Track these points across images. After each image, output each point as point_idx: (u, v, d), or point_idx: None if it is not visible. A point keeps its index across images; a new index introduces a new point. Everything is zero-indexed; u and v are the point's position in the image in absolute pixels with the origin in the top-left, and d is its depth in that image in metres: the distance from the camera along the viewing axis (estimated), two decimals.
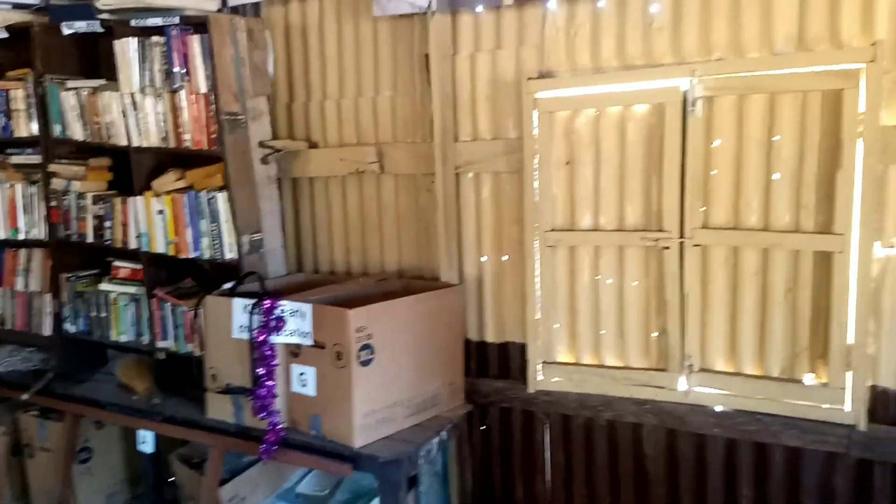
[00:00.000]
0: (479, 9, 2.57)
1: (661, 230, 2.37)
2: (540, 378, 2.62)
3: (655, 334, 2.47)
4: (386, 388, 2.37)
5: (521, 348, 2.66)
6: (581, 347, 2.59)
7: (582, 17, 2.42)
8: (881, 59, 1.99)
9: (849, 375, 2.16)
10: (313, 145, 2.99)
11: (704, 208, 2.31)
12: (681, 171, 2.30)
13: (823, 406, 2.21)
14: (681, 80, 2.26)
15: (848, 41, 2.06)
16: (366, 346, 2.29)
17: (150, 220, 2.88)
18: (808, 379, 2.25)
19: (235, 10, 2.97)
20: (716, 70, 2.20)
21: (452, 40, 2.63)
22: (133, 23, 2.78)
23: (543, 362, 2.61)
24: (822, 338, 2.21)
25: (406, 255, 2.88)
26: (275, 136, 2.99)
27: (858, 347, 2.13)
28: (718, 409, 2.37)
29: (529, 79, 2.49)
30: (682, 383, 2.42)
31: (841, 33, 2.07)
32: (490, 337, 2.75)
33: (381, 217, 2.92)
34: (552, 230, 2.54)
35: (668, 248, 2.36)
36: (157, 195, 2.87)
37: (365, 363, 2.29)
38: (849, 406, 2.17)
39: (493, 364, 2.76)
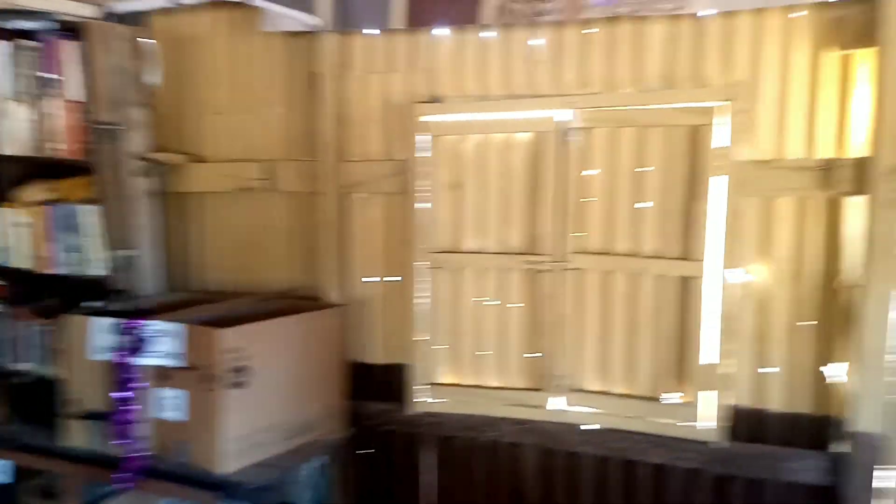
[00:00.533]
0: (371, 31, 2.54)
1: (540, 254, 2.40)
2: (423, 400, 2.57)
3: (533, 355, 2.48)
4: (260, 412, 2.24)
5: (407, 370, 2.60)
6: (464, 368, 2.57)
7: (470, 45, 2.44)
8: (738, 98, 2.11)
9: (709, 394, 2.25)
10: (201, 160, 2.84)
11: (580, 234, 2.36)
12: (558, 198, 2.34)
13: (686, 424, 2.28)
14: (559, 112, 2.31)
15: (710, 81, 2.17)
16: (239, 368, 2.16)
17: (9, 233, 2.63)
18: (673, 398, 2.32)
19: (122, 18, 2.80)
20: (591, 103, 2.27)
21: (343, 60, 2.58)
22: (7, 26, 2.55)
23: (427, 383, 2.57)
24: (684, 359, 2.29)
25: (293, 275, 2.77)
26: (160, 150, 2.82)
27: (718, 367, 2.22)
28: (590, 427, 2.40)
29: (417, 102, 2.47)
30: (556, 402, 2.43)
31: (704, 73, 2.18)
32: (376, 358, 2.68)
33: (268, 235, 2.80)
34: (438, 252, 2.52)
35: (546, 271, 2.39)
36: (21, 206, 2.62)
37: (237, 385, 2.16)
38: (709, 424, 2.25)
39: (378, 386, 2.68)
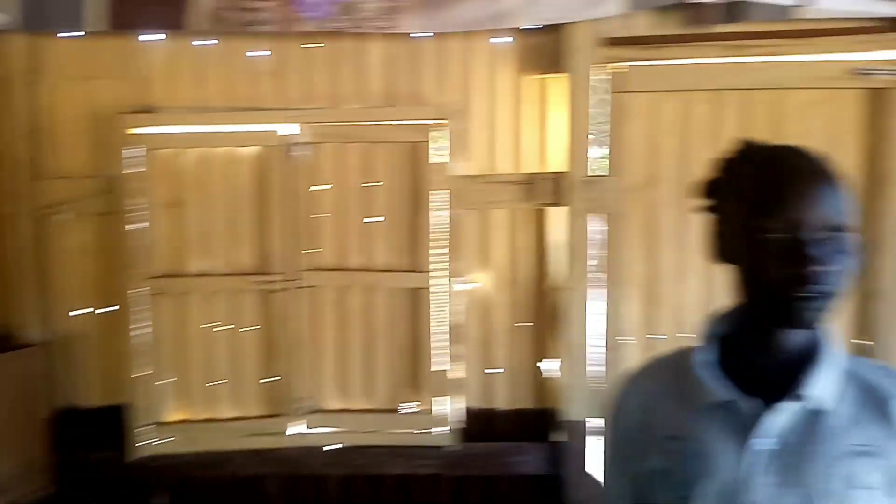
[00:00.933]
0: (68, 33, 2.21)
1: (272, 273, 2.27)
2: (148, 442, 2.28)
3: (270, 379, 2.33)
4: None
5: (127, 410, 2.29)
6: (195, 402, 2.34)
7: (186, 53, 2.24)
8: (453, 117, 2.19)
9: (442, 400, 2.29)
10: None
11: (312, 250, 2.28)
12: (287, 215, 2.24)
13: (423, 431, 2.30)
14: (285, 126, 2.21)
15: (428, 99, 2.23)
16: None
17: None
18: (409, 407, 2.33)
19: None
20: (317, 118, 2.22)
21: (36, 65, 2.22)
22: None
23: (152, 423, 2.29)
24: (419, 368, 2.31)
25: None
26: None
27: (449, 373, 2.27)
28: (332, 447, 2.32)
29: (127, 113, 2.21)
30: (296, 427, 2.31)
31: (421, 92, 2.24)
32: (90, 401, 2.33)
33: None
34: (157, 277, 2.26)
35: (279, 290, 2.26)
36: None
37: None
38: (444, 429, 2.29)
39: (94, 432, 2.33)
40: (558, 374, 2.28)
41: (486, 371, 2.33)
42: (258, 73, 2.24)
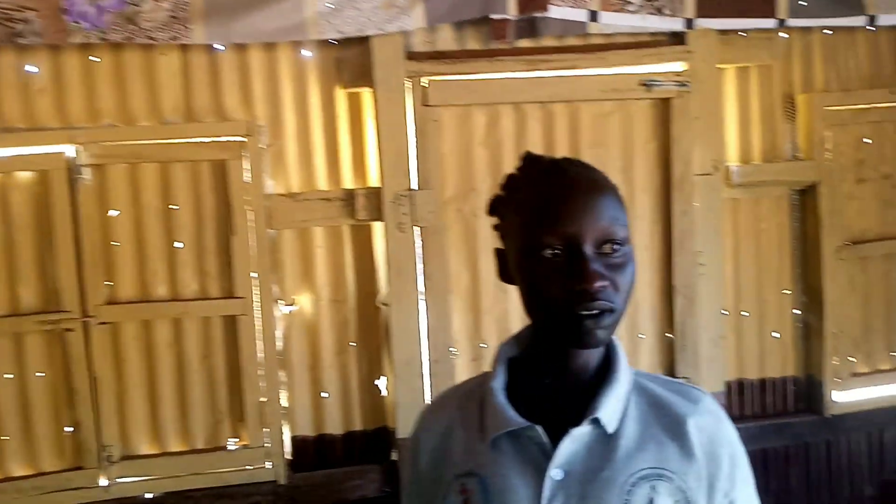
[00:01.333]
0: None
1: (61, 311, 2.02)
2: None
3: (68, 429, 2.08)
4: None
5: None
6: None
7: None
8: (262, 132, 2.08)
9: (269, 431, 2.15)
10: None
11: (108, 283, 2.06)
12: (76, 244, 2.01)
13: (248, 468, 2.15)
14: (67, 147, 1.98)
15: (231, 115, 2.10)
16: None
17: None
18: (231, 444, 2.17)
19: None
20: (103, 137, 2.01)
21: None
22: None
23: None
24: (239, 400, 2.16)
25: None
26: None
27: (271, 403, 2.14)
28: (147, 496, 2.10)
29: None
30: (103, 478, 2.07)
31: (225, 107, 2.10)
32: None
33: None
34: None
35: (70, 330, 2.02)
36: None
37: None
38: (272, 462, 2.16)
39: None
40: (391, 391, 2.23)
41: (316, 396, 2.22)
42: (36, 90, 1.99)
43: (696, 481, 0.86)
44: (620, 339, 0.98)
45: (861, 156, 2.48)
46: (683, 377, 2.30)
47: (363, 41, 2.09)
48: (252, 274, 2.10)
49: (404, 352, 2.17)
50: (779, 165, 2.41)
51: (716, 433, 0.89)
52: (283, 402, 2.18)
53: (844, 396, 2.48)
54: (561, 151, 2.25)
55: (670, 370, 2.34)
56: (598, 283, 0.81)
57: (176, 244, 2.09)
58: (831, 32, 2.42)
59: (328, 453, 2.25)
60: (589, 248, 0.83)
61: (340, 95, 2.17)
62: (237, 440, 2.17)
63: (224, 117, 2.09)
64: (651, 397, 0.91)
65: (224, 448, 2.16)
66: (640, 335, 2.34)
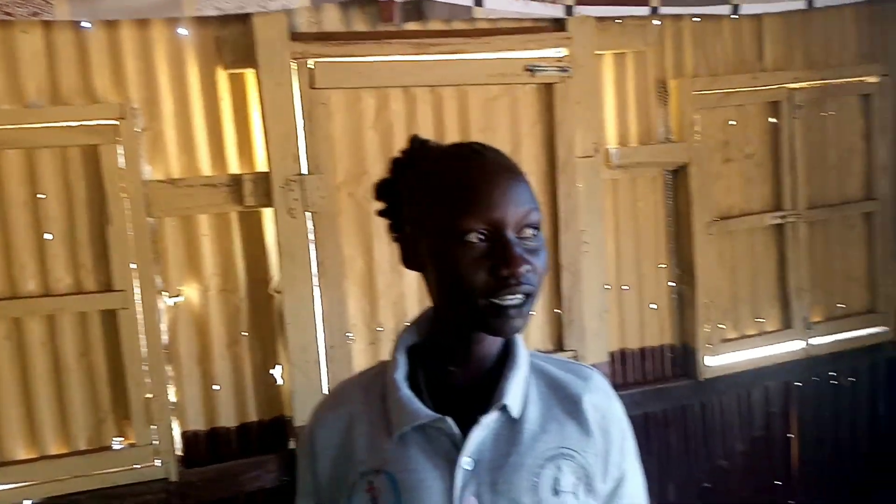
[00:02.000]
0: None
1: None
2: None
3: None
4: None
5: None
6: None
7: None
8: (132, 116, 1.95)
9: (159, 427, 2.06)
10: None
11: None
12: None
13: (136, 467, 2.05)
14: None
15: (103, 97, 1.96)
16: None
17: None
18: (117, 443, 2.06)
19: None
20: None
21: None
22: None
23: None
24: (124, 398, 2.05)
25: None
26: None
27: (158, 399, 2.05)
28: (27, 503, 1.96)
29: None
30: None
31: (95, 89, 1.96)
32: None
33: None
34: None
35: None
36: None
37: None
38: (163, 458, 2.06)
39: None
40: (287, 380, 2.18)
41: (208, 389, 2.14)
42: None
43: (594, 457, 0.89)
44: None
45: (727, 137, 2.65)
46: (571, 350, 2.39)
47: (244, 20, 2.00)
48: (131, 265, 1.98)
49: (299, 339, 2.13)
50: (653, 147, 2.53)
51: (608, 410, 0.91)
52: (172, 396, 2.09)
53: (716, 361, 2.66)
54: (451, 135, 2.27)
55: (559, 344, 2.43)
56: (524, 267, 0.80)
57: (46, 236, 1.94)
58: (699, 20, 2.56)
59: (222, 447, 2.17)
60: (511, 233, 0.81)
61: (222, 76, 2.07)
62: (123, 439, 2.06)
63: (94, 99, 1.95)
64: (548, 378, 0.92)
65: (109, 448, 2.05)
66: (530, 312, 2.40)
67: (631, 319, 2.61)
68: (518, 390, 0.87)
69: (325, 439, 0.91)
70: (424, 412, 0.85)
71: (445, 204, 0.82)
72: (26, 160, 1.91)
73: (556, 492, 0.84)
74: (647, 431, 2.63)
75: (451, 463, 0.84)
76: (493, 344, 0.89)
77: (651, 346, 2.64)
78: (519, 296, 0.80)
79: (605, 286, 2.48)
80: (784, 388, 2.84)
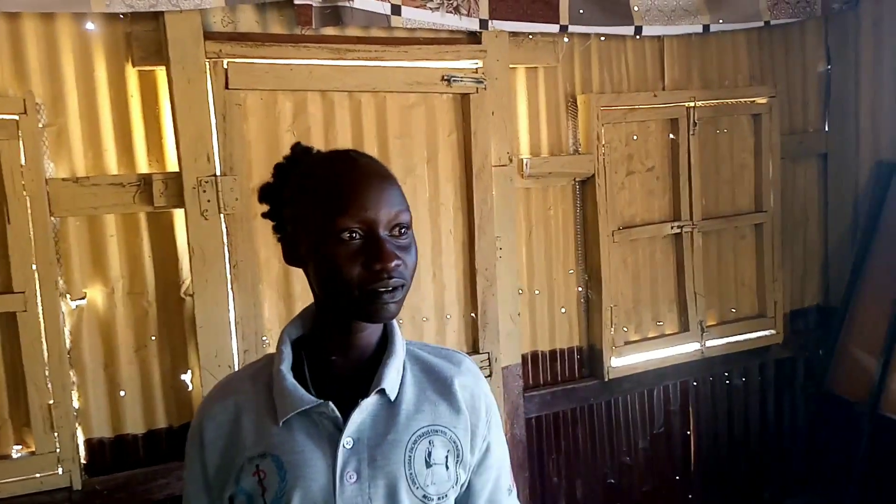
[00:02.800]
0: None
1: None
2: None
3: None
4: None
5: None
6: None
7: None
8: (35, 111, 1.86)
9: (59, 436, 1.95)
10: None
11: None
12: None
13: (37, 476, 1.93)
14: None
15: (2, 91, 1.86)
16: None
17: None
18: (16, 451, 1.94)
19: None
20: None
21: None
22: None
23: None
24: (23, 404, 1.93)
25: None
26: None
27: (60, 405, 1.94)
28: None
29: None
30: None
31: None
32: None
33: None
34: None
35: None
36: None
37: None
38: (66, 467, 1.96)
39: None
40: (199, 385, 2.11)
41: (114, 395, 2.05)
42: None
43: (464, 431, 0.99)
44: (426, 320, 1.06)
45: (630, 151, 2.78)
46: (485, 352, 2.44)
47: (156, 16, 1.94)
48: (32, 266, 1.88)
49: (212, 343, 2.07)
50: (563, 158, 2.62)
51: (475, 389, 1.02)
52: (75, 403, 1.99)
53: (620, 362, 2.77)
54: (369, 140, 2.27)
55: (474, 346, 2.47)
56: (394, 262, 0.88)
57: None
58: (605, 39, 2.68)
59: (129, 454, 2.09)
60: (383, 232, 0.90)
61: (132, 73, 2.00)
62: (22, 447, 1.95)
63: None
64: (422, 363, 1.02)
65: (8, 457, 1.93)
66: (447, 315, 2.44)
67: (542, 322, 2.68)
68: (394, 375, 0.95)
69: (213, 429, 0.95)
70: (308, 398, 0.91)
71: (323, 205, 0.90)
72: None
73: (428, 463, 0.93)
74: (557, 429, 2.71)
75: (333, 444, 0.91)
76: (371, 334, 0.97)
77: (561, 347, 2.72)
78: (391, 287, 0.89)
79: (518, 290, 2.54)
80: (682, 388, 2.99)
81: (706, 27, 2.79)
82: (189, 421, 2.17)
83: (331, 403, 0.91)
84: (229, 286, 2.09)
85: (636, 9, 2.63)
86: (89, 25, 1.93)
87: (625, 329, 2.80)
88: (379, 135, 2.29)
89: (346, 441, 0.91)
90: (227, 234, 2.08)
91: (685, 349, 2.93)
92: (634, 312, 2.84)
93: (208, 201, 2.02)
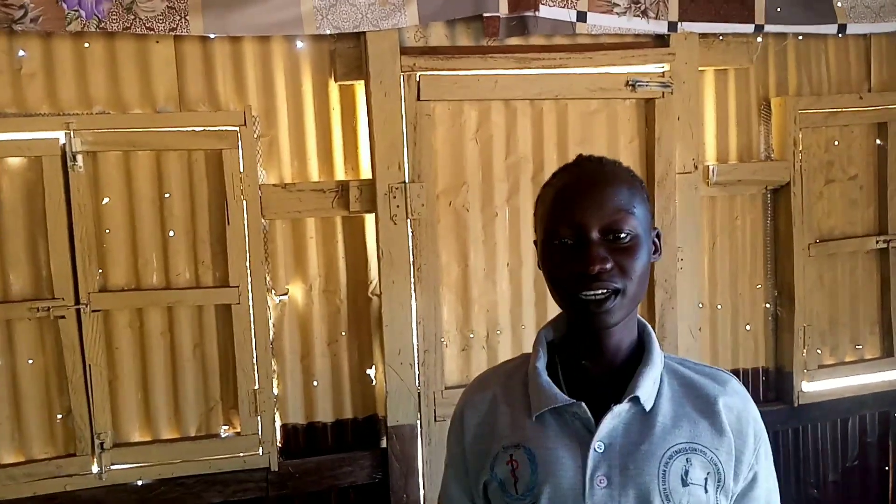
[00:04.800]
0: None
1: (53, 298, 1.90)
2: None
3: (60, 416, 1.97)
4: None
5: None
6: None
7: None
8: (252, 123, 1.98)
9: (262, 419, 2.06)
10: None
11: (101, 270, 1.95)
12: (69, 231, 1.89)
13: (240, 455, 2.05)
14: (59, 133, 1.86)
15: (225, 105, 1.99)
16: None
17: None
18: (224, 431, 2.07)
19: None
20: (95, 124, 1.88)
21: None
22: None
23: None
24: (232, 388, 2.06)
25: None
26: None
27: (263, 391, 2.05)
28: (140, 482, 2.00)
29: None
30: (95, 465, 1.97)
31: (219, 97, 1.99)
32: None
33: None
34: None
35: (63, 317, 1.91)
36: None
37: None
38: (265, 449, 2.07)
39: None
40: (382, 380, 2.15)
41: (307, 385, 2.13)
42: (22, 75, 1.86)
43: (727, 455, 0.89)
44: None
45: (830, 157, 2.47)
46: None
47: (357, 35, 2.00)
48: (246, 263, 2.00)
49: (395, 341, 2.09)
50: (754, 165, 2.38)
51: (743, 412, 0.91)
52: (275, 390, 2.10)
53: (812, 387, 2.46)
54: (549, 148, 2.20)
55: None
56: (598, 266, 0.83)
57: (169, 233, 1.98)
58: (804, 39, 2.41)
59: (318, 441, 2.16)
60: (595, 235, 0.85)
61: (333, 88, 2.08)
62: (229, 427, 2.08)
63: (218, 107, 1.98)
64: (682, 379, 0.93)
65: (216, 435, 2.06)
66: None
67: (724, 339, 2.44)
68: (650, 385, 0.89)
69: (473, 416, 0.97)
70: (561, 396, 0.89)
71: (545, 212, 0.90)
72: (155, 161, 1.96)
73: (684, 482, 0.86)
74: None
75: (583, 445, 0.87)
76: (620, 340, 0.91)
77: (744, 367, 2.47)
78: (600, 291, 0.84)
79: (699, 304, 2.34)
80: (882, 418, 2.60)
81: None
82: (372, 414, 2.23)
83: (583, 404, 0.88)
84: (413, 288, 2.11)
85: (839, 5, 2.33)
86: (299, 44, 2.03)
87: (818, 351, 2.48)
88: (559, 142, 2.21)
89: (598, 445, 0.87)
90: (413, 238, 2.10)
91: (888, 376, 2.55)
92: (830, 334, 2.51)
93: (397, 207, 2.04)
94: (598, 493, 0.85)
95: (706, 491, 0.86)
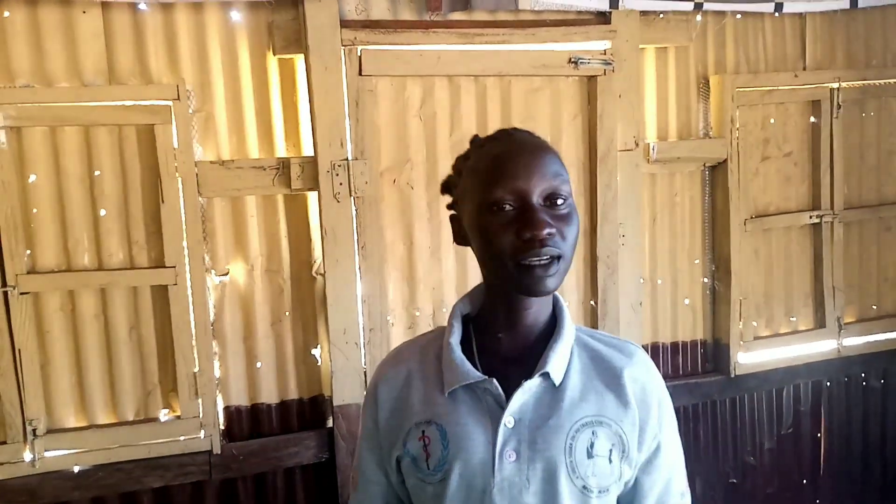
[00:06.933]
0: None
1: None
2: None
3: None
4: None
5: None
6: None
7: None
8: (186, 97, 1.92)
9: (203, 402, 2.03)
10: None
11: (29, 251, 1.88)
12: None
13: (181, 439, 2.03)
14: None
15: (157, 78, 1.93)
16: None
17: None
18: (163, 415, 2.04)
19: None
20: (19, 98, 1.81)
21: None
22: None
23: None
24: (171, 371, 2.02)
25: None
26: None
27: (204, 373, 2.02)
28: (76, 469, 1.95)
29: None
30: (27, 453, 1.91)
31: (150, 70, 1.93)
32: None
33: None
34: None
35: None
36: None
37: None
38: (206, 432, 2.04)
39: None
40: (328, 360, 2.14)
41: (250, 366, 2.11)
42: None
43: (631, 426, 0.92)
44: None
45: (766, 135, 2.55)
46: None
47: (295, 5, 1.96)
48: (183, 243, 1.96)
49: (340, 321, 2.09)
50: (693, 142, 2.43)
51: (647, 383, 0.95)
52: (217, 372, 2.07)
53: (748, 358, 2.56)
54: (493, 125, 2.20)
55: None
56: (546, 231, 0.84)
57: (101, 212, 1.92)
58: (742, 17, 2.46)
59: (263, 422, 2.14)
60: (537, 201, 0.86)
61: (272, 61, 2.03)
62: (169, 411, 2.05)
63: (149, 80, 1.92)
64: (592, 352, 0.95)
65: (156, 419, 2.03)
66: (566, 302, 2.33)
67: (664, 313, 2.52)
68: (561, 360, 0.91)
69: (386, 392, 0.97)
70: (474, 373, 0.90)
71: (480, 179, 0.89)
72: (83, 137, 1.89)
73: (590, 454, 0.88)
74: (678, 424, 2.54)
75: (494, 420, 0.89)
76: (538, 313, 0.93)
77: (683, 340, 2.55)
78: (545, 257, 0.84)
79: (640, 279, 2.40)
80: (815, 387, 2.73)
81: (853, 2, 2.50)
82: (318, 394, 2.22)
83: (495, 381, 0.89)
84: (357, 267, 2.10)
85: None
86: (235, 15, 1.97)
87: (754, 323, 2.58)
88: (503, 118, 2.21)
89: (508, 420, 0.88)
90: (357, 217, 2.08)
91: (820, 347, 2.67)
92: (765, 306, 2.61)
93: (340, 184, 2.02)
94: (507, 468, 0.87)
95: (610, 461, 0.89)
